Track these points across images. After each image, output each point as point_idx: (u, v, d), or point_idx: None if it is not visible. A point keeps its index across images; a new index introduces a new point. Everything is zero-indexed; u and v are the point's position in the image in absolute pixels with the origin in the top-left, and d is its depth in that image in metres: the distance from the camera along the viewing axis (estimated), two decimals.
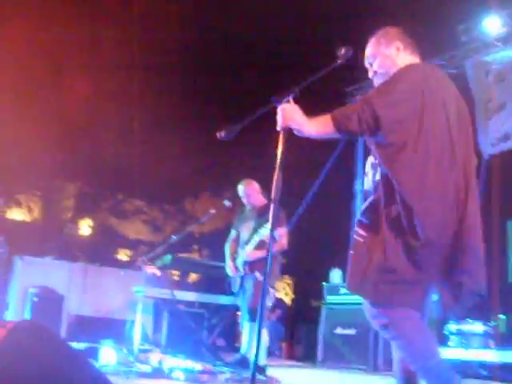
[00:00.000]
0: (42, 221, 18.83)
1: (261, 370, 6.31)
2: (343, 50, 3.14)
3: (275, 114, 3.01)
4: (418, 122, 2.86)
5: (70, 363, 1.72)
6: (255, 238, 6.37)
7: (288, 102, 3.01)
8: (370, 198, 3.02)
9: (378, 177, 3.00)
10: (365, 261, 2.86)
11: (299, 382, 6.97)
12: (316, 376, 7.79)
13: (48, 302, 8.33)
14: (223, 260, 6.98)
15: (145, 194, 20.48)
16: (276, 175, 3.05)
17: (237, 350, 8.11)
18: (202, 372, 5.77)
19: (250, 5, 14.85)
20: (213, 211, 7.22)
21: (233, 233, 6.93)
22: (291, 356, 11.23)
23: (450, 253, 2.80)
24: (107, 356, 6.50)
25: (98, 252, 16.18)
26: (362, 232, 2.95)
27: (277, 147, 3.06)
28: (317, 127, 2.93)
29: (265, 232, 6.21)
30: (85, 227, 19.38)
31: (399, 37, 3.21)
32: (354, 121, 2.82)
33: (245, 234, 6.67)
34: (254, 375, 2.91)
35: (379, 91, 2.94)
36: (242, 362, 6.22)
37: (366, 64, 3.26)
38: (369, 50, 3.23)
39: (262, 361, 6.43)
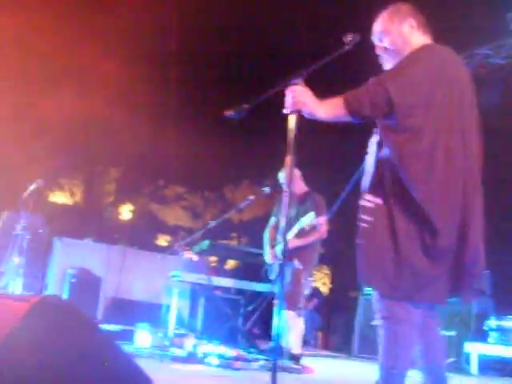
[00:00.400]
0: (84, 204, 19.07)
1: (295, 358, 6.28)
2: (349, 37, 3.01)
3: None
4: (432, 107, 2.76)
5: (92, 338, 1.70)
6: (296, 226, 6.32)
7: (297, 84, 2.91)
8: (371, 180, 2.89)
9: (379, 157, 2.88)
10: (376, 251, 2.78)
11: (333, 373, 6.92)
12: (350, 367, 7.73)
13: (85, 283, 8.41)
14: (262, 247, 6.94)
15: (185, 180, 20.58)
16: (288, 159, 2.98)
17: (272, 337, 8.07)
18: (236, 358, 5.76)
19: None
20: (252, 197, 7.18)
21: (272, 220, 6.88)
22: (326, 346, 11.18)
23: (458, 244, 2.74)
24: (142, 339, 6.55)
25: (138, 237, 16.30)
26: (367, 217, 2.82)
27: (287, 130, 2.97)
28: (329, 110, 2.84)
29: (306, 220, 6.15)
30: (125, 212, 19.57)
31: (413, 14, 3.05)
32: (366, 105, 2.74)
33: (284, 221, 6.62)
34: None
35: (394, 73, 2.83)
36: (277, 350, 6.18)
37: (375, 40, 3.09)
38: (380, 25, 3.06)
39: (297, 350, 6.40)
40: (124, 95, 15.81)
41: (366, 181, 2.95)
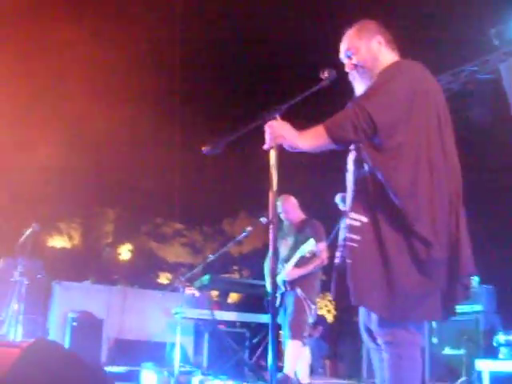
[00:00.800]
0: (82, 247, 19.03)
1: None
2: (326, 73, 2.99)
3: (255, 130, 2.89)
4: (411, 122, 2.76)
5: (84, 380, 1.66)
6: (296, 254, 6.27)
7: (275, 119, 2.86)
8: (353, 198, 2.86)
9: (359, 174, 2.86)
10: (368, 271, 2.71)
11: None
12: None
13: (87, 326, 8.32)
14: (263, 278, 6.88)
15: (183, 217, 20.59)
16: (271, 194, 2.90)
17: (280, 369, 7.99)
18: None
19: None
20: (249, 229, 7.12)
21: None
22: (335, 373, 11.05)
23: (450, 256, 2.72)
24: (148, 379, 6.46)
25: (138, 276, 16.25)
26: (354, 236, 2.76)
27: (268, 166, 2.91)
28: (310, 140, 2.80)
29: (307, 247, 6.11)
30: (124, 252, 19.52)
31: (380, 31, 3.05)
32: (349, 129, 2.70)
33: (283, 250, 6.57)
34: None
35: (370, 94, 2.79)
36: (285, 381, 6.10)
37: (343, 56, 3.06)
38: (348, 42, 3.05)
39: (306, 379, 6.32)
40: (120, 134, 15.88)
41: (348, 199, 2.93)
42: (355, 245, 2.75)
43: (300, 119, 2.84)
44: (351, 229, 2.79)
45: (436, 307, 2.74)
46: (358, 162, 2.87)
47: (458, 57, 10.01)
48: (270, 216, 2.85)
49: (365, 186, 2.81)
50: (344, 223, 2.96)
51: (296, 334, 6.13)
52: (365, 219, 2.76)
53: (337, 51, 3.09)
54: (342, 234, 2.97)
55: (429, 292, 2.71)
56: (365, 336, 3.01)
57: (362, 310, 3.00)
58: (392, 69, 2.89)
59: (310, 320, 6.37)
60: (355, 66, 3.01)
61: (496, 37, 9.37)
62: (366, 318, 2.95)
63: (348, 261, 2.77)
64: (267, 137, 2.87)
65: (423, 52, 3.14)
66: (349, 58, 3.03)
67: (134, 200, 18.59)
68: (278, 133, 2.83)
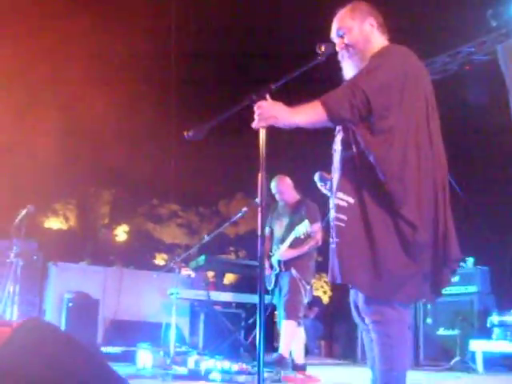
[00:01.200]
0: (79, 228, 19.02)
1: (300, 368, 6.23)
2: (323, 48, 2.91)
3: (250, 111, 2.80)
4: (402, 106, 2.76)
5: (75, 359, 1.66)
6: (291, 235, 6.27)
7: (264, 98, 2.78)
8: (340, 178, 2.86)
9: (346, 154, 2.85)
10: (355, 250, 2.74)
11: (339, 380, 6.85)
12: (356, 374, 7.66)
13: (83, 307, 8.34)
14: None
15: (179, 198, 20.57)
16: (260, 175, 2.81)
17: (276, 349, 8.01)
18: (239, 373, 5.69)
19: None
20: (244, 209, 7.11)
21: (266, 230, 6.81)
22: (330, 354, 11.11)
23: (436, 240, 2.74)
24: (144, 359, 6.48)
25: (135, 257, 16.27)
26: (342, 216, 2.78)
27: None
28: (307, 116, 2.75)
29: (301, 228, 6.11)
30: (121, 233, 19.53)
31: (373, 13, 3.03)
32: (346, 108, 2.68)
33: (278, 231, 6.57)
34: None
35: (367, 75, 2.76)
36: (280, 361, 6.13)
37: (335, 36, 3.03)
38: (340, 21, 3.01)
39: (301, 359, 6.35)
40: (114, 116, 15.82)
41: (335, 179, 2.92)
42: (342, 224, 2.77)
43: (293, 99, 2.81)
44: (338, 208, 2.80)
45: (421, 289, 2.77)
46: (346, 143, 2.87)
47: (455, 38, 9.97)
48: (259, 198, 2.81)
49: (352, 167, 2.81)
50: (331, 203, 2.97)
51: (291, 315, 6.15)
52: (351, 200, 2.77)
53: (328, 32, 3.04)
54: (331, 214, 2.99)
55: (414, 273, 2.72)
56: (355, 315, 3.03)
57: (352, 291, 3.02)
58: (386, 51, 2.88)
59: (305, 300, 6.38)
60: (346, 46, 2.98)
61: (493, 18, 9.33)
62: (355, 297, 2.97)
63: (335, 239, 2.79)
64: (256, 117, 2.80)
65: (420, 33, 3.12)
66: (340, 37, 3.00)
67: (130, 181, 18.57)
68: (269, 113, 2.76)
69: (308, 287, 6.41)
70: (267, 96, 2.81)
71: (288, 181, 6.70)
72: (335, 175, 2.92)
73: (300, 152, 17.00)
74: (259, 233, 2.79)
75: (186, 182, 18.69)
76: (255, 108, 2.80)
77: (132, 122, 16.93)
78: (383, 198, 2.72)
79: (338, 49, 3.01)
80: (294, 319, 6.16)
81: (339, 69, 3.06)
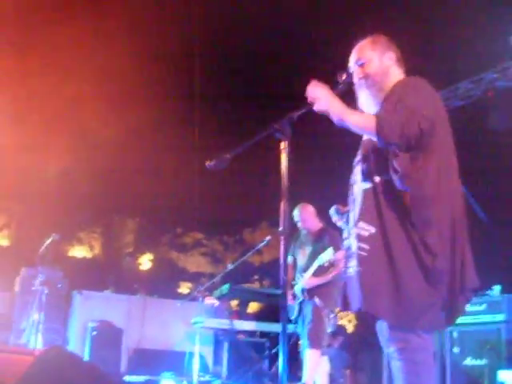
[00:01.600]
0: (103, 256, 19.10)
1: None
2: (344, 75, 3.00)
3: (273, 139, 2.83)
4: (436, 138, 2.80)
5: None
6: (314, 264, 6.25)
7: (286, 129, 2.81)
8: (361, 208, 2.87)
9: (368, 185, 2.87)
10: (378, 279, 2.74)
11: None
12: None
13: (107, 335, 8.34)
14: None
15: (203, 226, 20.59)
16: (282, 203, 2.79)
17: (300, 379, 7.93)
18: None
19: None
20: (268, 238, 7.13)
21: (289, 259, 6.79)
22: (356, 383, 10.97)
23: (453, 268, 2.74)
24: None
25: (159, 286, 16.27)
26: (364, 245, 2.79)
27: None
28: (360, 121, 2.82)
29: (325, 256, 6.09)
30: (145, 261, 19.57)
31: (392, 48, 3.09)
32: (396, 133, 2.69)
33: (301, 259, 6.55)
34: None
35: (418, 102, 2.78)
36: None
37: (353, 65, 3.06)
38: (360, 51, 3.06)
39: None
40: (139, 141, 15.94)
41: (356, 210, 2.92)
42: (364, 253, 2.78)
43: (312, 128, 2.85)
44: (360, 238, 2.82)
45: (440, 317, 2.77)
46: (366, 174, 2.90)
47: (478, 64, 9.94)
48: (281, 226, 2.80)
49: (374, 197, 2.83)
50: (346, 233, 3.02)
51: (314, 343, 6.10)
52: (373, 229, 2.79)
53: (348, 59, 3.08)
54: (352, 244, 2.98)
55: (435, 301, 2.73)
56: (382, 342, 3.01)
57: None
58: (418, 81, 2.92)
59: (329, 329, 6.33)
60: (366, 76, 3.02)
61: None
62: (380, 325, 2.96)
63: (357, 268, 2.80)
64: (319, 99, 2.85)
65: (444, 59, 3.14)
66: (360, 66, 3.03)
67: (154, 210, 18.63)
68: (330, 99, 2.84)
69: (332, 316, 6.35)
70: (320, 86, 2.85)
71: (311, 209, 6.69)
72: (355, 206, 2.94)
73: (323, 180, 16.99)
74: (281, 261, 2.80)
75: (211, 210, 18.71)
76: (317, 89, 2.86)
77: (156, 149, 17.04)
78: (406, 227, 2.73)
79: (357, 77, 3.05)
80: (318, 348, 6.11)
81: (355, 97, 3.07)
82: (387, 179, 2.80)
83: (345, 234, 3.08)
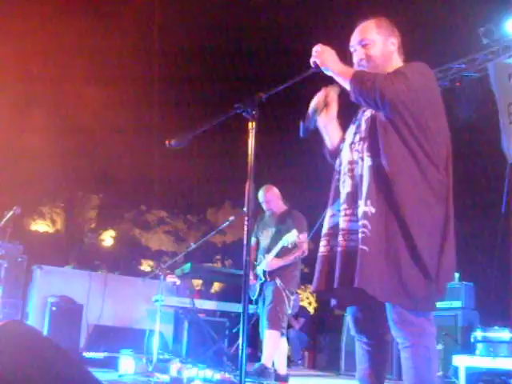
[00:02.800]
0: (65, 232, 18.92)
1: (282, 379, 6.21)
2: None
3: (240, 119, 2.80)
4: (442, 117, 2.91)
5: (54, 364, 1.65)
6: (278, 245, 6.26)
7: (252, 108, 2.79)
8: (370, 186, 2.79)
9: (374, 164, 2.83)
10: (390, 260, 2.70)
11: None
12: None
13: (67, 311, 8.27)
14: None
15: (167, 205, 20.52)
16: (247, 184, 2.77)
17: (259, 359, 7.92)
18: (221, 382, 5.68)
19: None
20: (231, 218, 7.13)
21: (252, 240, 6.79)
22: (314, 365, 11.08)
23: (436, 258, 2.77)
24: (126, 366, 6.45)
25: (120, 263, 16.19)
26: (367, 222, 2.74)
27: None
28: (342, 70, 2.89)
29: (289, 238, 6.11)
30: (107, 238, 19.44)
31: (395, 33, 3.07)
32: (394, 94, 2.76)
33: (264, 241, 6.57)
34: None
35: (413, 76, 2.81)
36: (263, 371, 6.11)
37: (356, 44, 3.04)
38: (365, 32, 3.02)
39: (283, 370, 6.33)
40: (103, 120, 15.78)
41: (363, 187, 2.83)
42: (368, 232, 2.72)
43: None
44: (366, 216, 2.76)
45: (435, 298, 2.81)
46: (374, 150, 2.84)
47: (446, 54, 10.04)
48: (246, 207, 2.79)
49: (377, 175, 2.79)
50: (333, 212, 2.99)
51: (274, 325, 6.13)
52: (374, 209, 2.75)
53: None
54: (327, 222, 3.00)
55: (432, 284, 2.74)
56: (354, 329, 3.03)
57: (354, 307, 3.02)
58: (423, 66, 2.92)
59: (289, 311, 6.37)
60: (367, 57, 3.00)
61: (485, 36, 9.40)
62: (357, 312, 2.99)
63: (363, 247, 2.72)
64: (319, 55, 2.89)
65: (412, 48, 3.13)
66: (363, 46, 3.00)
67: (118, 187, 18.51)
68: (333, 57, 2.89)
69: (292, 297, 6.39)
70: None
71: (275, 190, 6.70)
72: (360, 183, 2.86)
73: (289, 161, 17.04)
74: (245, 242, 2.78)
75: (175, 189, 18.66)
76: (322, 48, 2.90)
77: (121, 126, 16.88)
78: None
79: (358, 57, 3.02)
80: (278, 329, 6.14)
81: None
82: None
83: (329, 212, 3.04)
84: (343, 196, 2.94)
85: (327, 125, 3.14)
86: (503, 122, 9.39)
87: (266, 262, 6.31)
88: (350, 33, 3.07)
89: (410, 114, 2.74)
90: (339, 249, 2.86)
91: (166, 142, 2.87)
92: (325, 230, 3.03)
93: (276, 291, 6.22)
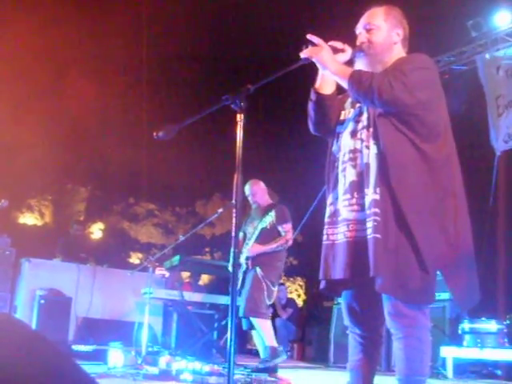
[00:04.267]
0: (53, 225, 18.85)
1: (271, 370, 6.22)
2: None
3: (228, 111, 2.78)
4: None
5: (42, 357, 1.65)
6: (258, 227, 6.32)
7: (241, 100, 2.77)
8: (378, 173, 2.77)
9: (376, 149, 2.81)
10: (394, 249, 2.69)
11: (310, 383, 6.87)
12: (327, 377, 7.69)
13: (55, 304, 8.25)
14: None
15: (156, 197, 20.48)
16: (236, 177, 2.76)
17: (248, 351, 8.01)
18: (211, 374, 5.68)
19: None
20: (220, 210, 7.14)
21: (240, 235, 6.81)
22: (303, 357, 11.12)
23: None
24: (115, 358, 6.44)
25: (109, 255, 16.15)
26: (378, 210, 2.72)
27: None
28: (339, 70, 2.87)
29: (267, 218, 6.18)
30: (96, 230, 19.39)
31: (403, 24, 3.04)
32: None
33: (250, 233, 6.60)
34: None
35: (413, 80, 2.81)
36: (274, 352, 6.18)
37: (361, 28, 3.02)
38: (372, 17, 3.00)
39: (271, 342, 6.32)
40: (92, 112, 15.72)
41: (371, 175, 2.81)
42: (380, 220, 2.71)
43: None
44: (376, 203, 2.74)
45: (434, 289, 2.82)
46: (375, 139, 2.83)
47: (435, 47, 10.07)
48: (234, 199, 2.78)
49: (381, 162, 2.77)
50: (332, 199, 3.00)
51: (251, 311, 6.15)
52: (378, 197, 2.74)
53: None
54: (328, 211, 3.01)
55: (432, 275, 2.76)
56: (349, 320, 3.04)
57: (348, 294, 3.02)
58: (426, 58, 2.94)
59: (267, 301, 6.36)
60: (369, 42, 2.97)
61: (473, 29, 9.45)
62: (351, 300, 2.99)
63: (374, 235, 2.71)
64: (314, 51, 2.84)
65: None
66: (367, 31, 2.98)
67: (106, 179, 18.46)
68: (331, 57, 2.86)
69: (274, 289, 6.40)
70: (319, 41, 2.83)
71: (261, 185, 6.76)
72: (367, 171, 2.83)
73: (277, 154, 17.07)
74: (233, 234, 2.77)
75: (164, 181, 18.61)
76: (323, 45, 2.86)
77: (109, 119, 16.83)
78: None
79: (360, 40, 3.00)
80: (255, 315, 6.18)
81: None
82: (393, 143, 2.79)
83: (329, 200, 3.03)
84: (346, 185, 2.93)
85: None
86: (491, 114, 9.45)
87: (248, 248, 6.35)
88: (340, 22, 3.05)
89: (408, 111, 2.76)
90: (346, 239, 2.87)
91: (154, 134, 2.86)
92: (326, 218, 3.03)
93: (255, 279, 6.25)
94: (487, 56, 9.49)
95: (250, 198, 6.71)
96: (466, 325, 7.60)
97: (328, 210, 3.03)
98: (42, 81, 14.64)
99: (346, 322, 3.07)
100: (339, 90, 3.04)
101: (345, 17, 3.16)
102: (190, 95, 16.73)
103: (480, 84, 9.55)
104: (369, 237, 2.72)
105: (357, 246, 2.80)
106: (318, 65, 2.88)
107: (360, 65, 2.98)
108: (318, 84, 3.04)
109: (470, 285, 2.84)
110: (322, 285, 3.03)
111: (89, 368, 4.11)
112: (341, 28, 3.27)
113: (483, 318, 7.56)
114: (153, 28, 16.34)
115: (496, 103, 9.41)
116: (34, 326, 7.80)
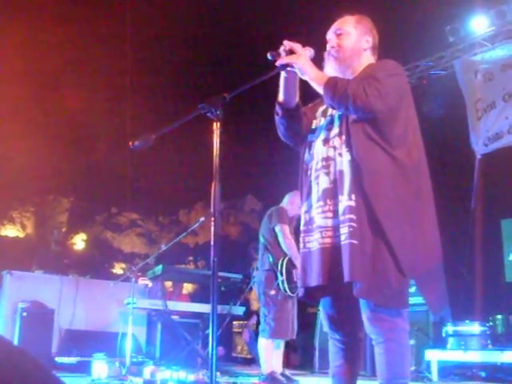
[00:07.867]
0: (35, 237, 18.73)
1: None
2: (275, 54, 2.89)
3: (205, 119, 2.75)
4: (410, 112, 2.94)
5: (25, 370, 1.63)
6: None
7: (217, 108, 2.73)
8: (352, 180, 2.79)
9: (352, 158, 2.81)
10: (370, 254, 2.70)
11: None
12: (313, 383, 7.68)
13: (38, 316, 8.18)
14: (220, 270, 6.85)
15: (139, 206, 20.43)
16: (213, 185, 2.73)
17: (234, 359, 7.96)
18: (195, 383, 5.67)
19: None
20: (202, 219, 7.12)
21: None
22: (288, 364, 11.08)
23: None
24: (99, 370, 6.40)
25: (93, 266, 16.08)
26: (354, 216, 2.74)
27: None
28: (316, 76, 2.86)
29: None
30: (79, 241, 19.29)
31: (373, 33, 3.10)
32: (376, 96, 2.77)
33: None
34: None
35: (385, 79, 2.82)
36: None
37: (331, 34, 3.07)
38: (343, 23, 3.07)
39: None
40: (73, 123, 15.68)
41: (345, 181, 2.82)
42: (355, 225, 2.72)
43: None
44: (352, 210, 2.75)
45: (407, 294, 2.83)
46: (348, 145, 2.84)
47: (413, 52, 10.16)
48: (212, 207, 2.76)
49: (355, 169, 2.78)
50: (306, 207, 3.01)
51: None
52: (354, 203, 2.75)
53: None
54: (302, 219, 3.03)
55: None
56: (328, 326, 3.04)
57: (326, 301, 3.02)
58: (395, 64, 2.96)
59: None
60: (338, 47, 3.02)
61: (451, 34, 9.54)
62: (329, 309, 3.00)
63: (350, 240, 2.72)
64: (292, 58, 2.84)
65: (379, 46, 3.15)
66: (337, 35, 3.04)
67: (88, 189, 18.39)
68: (308, 63, 2.85)
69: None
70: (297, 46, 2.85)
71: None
72: (341, 177, 2.84)
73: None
74: (212, 242, 2.74)
75: (146, 190, 18.58)
76: (301, 51, 2.86)
77: (91, 128, 16.79)
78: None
79: (330, 45, 3.05)
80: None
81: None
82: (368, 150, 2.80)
83: (304, 208, 3.04)
84: (319, 193, 2.94)
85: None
86: (471, 118, 9.53)
87: None
88: (316, 27, 3.08)
89: (380, 117, 2.77)
90: (320, 246, 2.87)
91: (130, 143, 2.84)
92: (302, 226, 3.05)
93: None
94: (465, 61, 9.59)
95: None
96: (449, 328, 7.63)
97: (303, 218, 3.04)
98: (24, 94, 14.58)
99: (326, 328, 3.08)
100: (313, 97, 3.05)
101: (319, 25, 3.17)
102: (173, 106, 16.74)
103: (459, 88, 9.63)
104: (343, 243, 2.74)
105: (331, 252, 2.82)
106: (296, 71, 2.89)
107: (329, 69, 3.02)
108: (281, 98, 3.06)
109: (441, 291, 2.87)
110: (301, 293, 3.04)
111: (73, 380, 4.09)
112: (312, 34, 3.29)
113: (466, 321, 7.59)
114: (136, 36, 16.34)
115: (475, 107, 9.49)
116: (16, 339, 7.73)
